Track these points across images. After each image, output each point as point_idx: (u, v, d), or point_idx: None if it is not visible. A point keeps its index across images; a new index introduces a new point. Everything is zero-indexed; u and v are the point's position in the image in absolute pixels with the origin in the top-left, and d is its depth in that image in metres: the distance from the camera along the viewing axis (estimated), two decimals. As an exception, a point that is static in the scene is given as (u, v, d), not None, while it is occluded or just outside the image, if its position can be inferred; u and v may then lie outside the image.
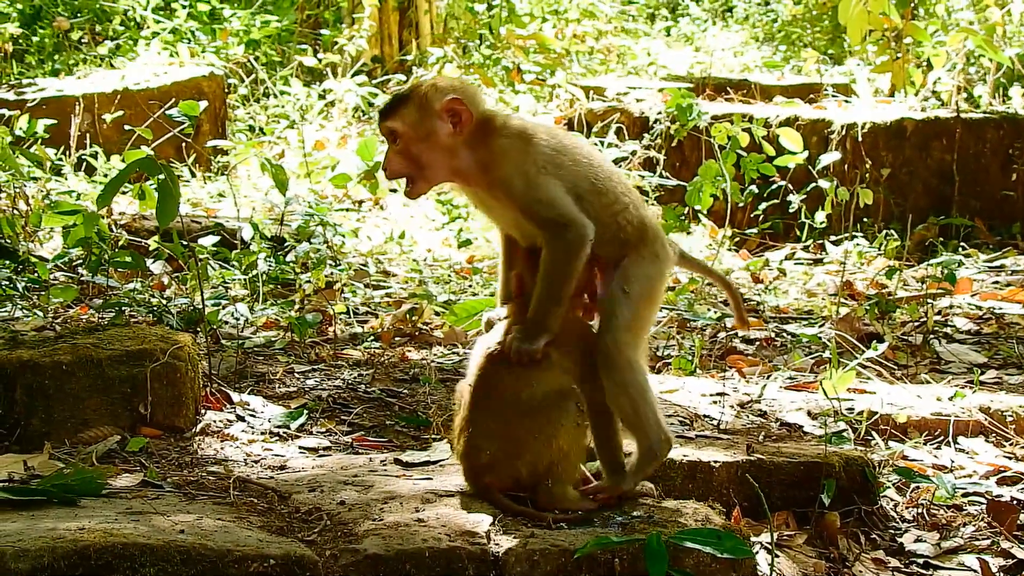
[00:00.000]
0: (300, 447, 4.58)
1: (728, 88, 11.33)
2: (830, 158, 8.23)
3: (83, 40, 13.72)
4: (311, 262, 7.09)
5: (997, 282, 8.21)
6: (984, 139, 9.70)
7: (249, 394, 5.10)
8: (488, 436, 3.74)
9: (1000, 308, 7.24)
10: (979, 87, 12.07)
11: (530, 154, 3.80)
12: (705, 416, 4.99)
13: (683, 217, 8.16)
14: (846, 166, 9.52)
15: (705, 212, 8.05)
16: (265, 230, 7.32)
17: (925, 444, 4.95)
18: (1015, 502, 4.41)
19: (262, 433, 4.69)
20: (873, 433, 4.96)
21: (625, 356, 3.77)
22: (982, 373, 5.94)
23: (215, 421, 4.72)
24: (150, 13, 14.14)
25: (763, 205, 8.77)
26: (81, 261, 6.80)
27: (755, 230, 9.19)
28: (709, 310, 6.85)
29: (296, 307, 6.70)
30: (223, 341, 5.97)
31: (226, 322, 6.25)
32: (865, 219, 9.33)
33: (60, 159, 10.08)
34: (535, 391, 3.72)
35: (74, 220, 5.95)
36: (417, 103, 3.85)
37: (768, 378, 5.71)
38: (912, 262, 8.39)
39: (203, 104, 5.76)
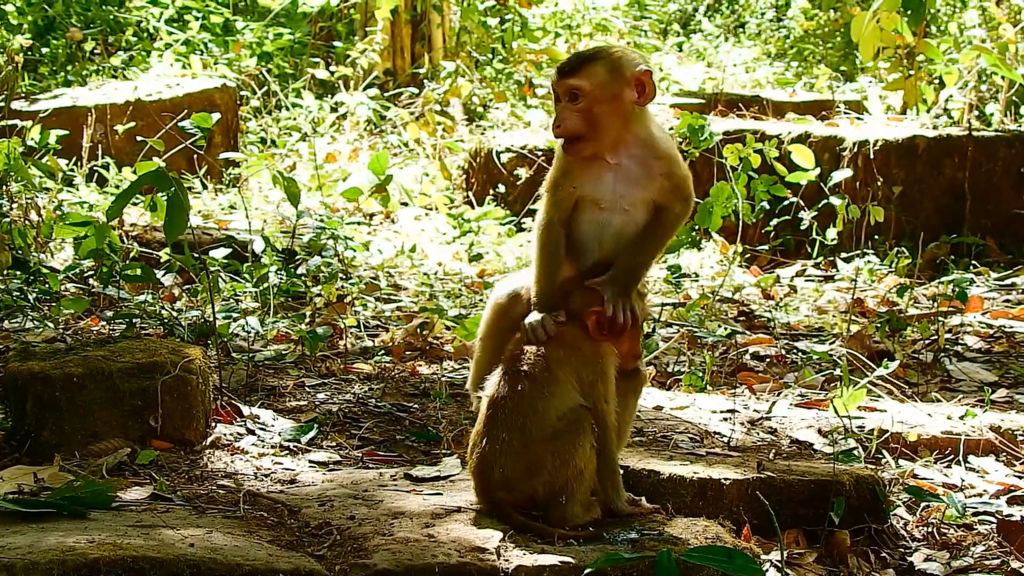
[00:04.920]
0: (310, 461, 4.58)
1: (740, 104, 11.35)
2: (842, 175, 8.21)
3: (96, 51, 13.75)
4: (322, 275, 7.10)
5: (1008, 300, 8.19)
6: (996, 157, 9.67)
7: (259, 407, 5.10)
8: (504, 452, 3.73)
9: (1011, 327, 7.23)
10: (991, 105, 12.07)
11: None
12: (715, 433, 4.98)
13: (694, 232, 8.15)
14: (858, 183, 9.51)
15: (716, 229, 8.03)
16: (276, 243, 7.32)
17: (935, 463, 4.94)
18: (1026, 522, 4.39)
19: (272, 447, 4.69)
20: (883, 451, 4.95)
21: None
22: (992, 392, 5.92)
23: (225, 434, 4.72)
24: (163, 24, 14.18)
25: (774, 222, 8.75)
26: (92, 273, 6.81)
27: (766, 247, 9.18)
28: (720, 327, 6.83)
29: (307, 320, 6.71)
30: (233, 354, 5.97)
31: (237, 335, 6.25)
32: (876, 236, 9.32)
33: (72, 170, 10.10)
34: (553, 409, 3.72)
35: (85, 231, 5.96)
36: (608, 65, 3.85)
37: (778, 395, 5.71)
38: (923, 280, 8.37)
39: (215, 116, 5.76)
